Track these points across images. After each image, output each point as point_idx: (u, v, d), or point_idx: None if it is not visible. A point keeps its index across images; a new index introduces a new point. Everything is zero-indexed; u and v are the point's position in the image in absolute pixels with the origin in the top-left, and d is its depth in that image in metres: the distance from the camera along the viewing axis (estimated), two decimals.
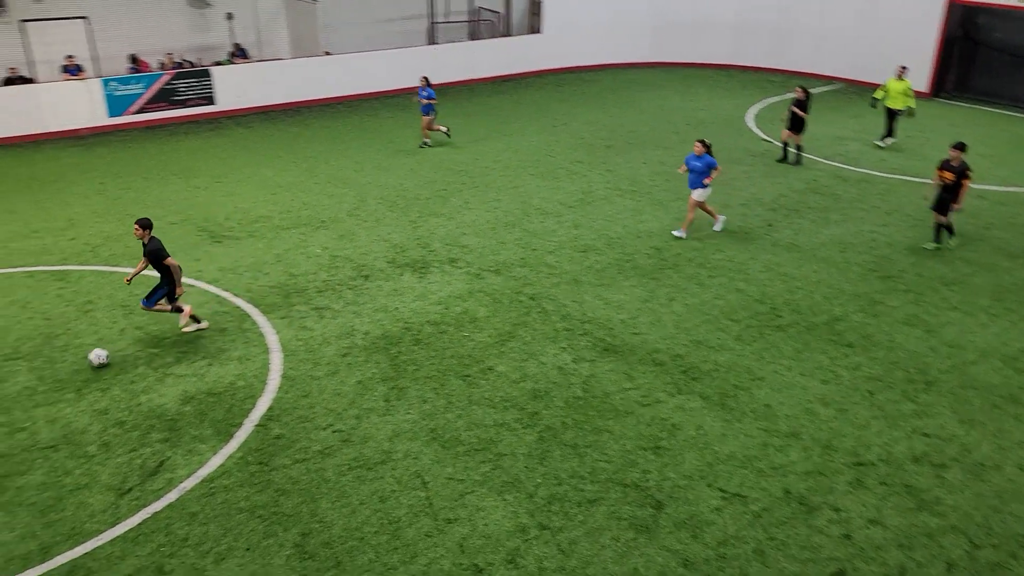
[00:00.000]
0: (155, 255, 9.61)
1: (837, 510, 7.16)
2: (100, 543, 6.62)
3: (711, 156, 12.76)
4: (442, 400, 8.73)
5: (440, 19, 26.80)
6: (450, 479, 7.48)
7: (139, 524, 6.84)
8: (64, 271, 12.15)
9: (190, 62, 23.55)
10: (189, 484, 7.34)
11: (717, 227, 13.53)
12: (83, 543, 6.62)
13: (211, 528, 6.80)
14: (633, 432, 8.19)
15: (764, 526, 6.95)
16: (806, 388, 9.02)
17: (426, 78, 18.53)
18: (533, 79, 26.40)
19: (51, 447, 7.91)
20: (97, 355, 9.47)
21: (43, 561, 6.43)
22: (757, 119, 21.12)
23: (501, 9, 27.68)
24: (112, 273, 12.03)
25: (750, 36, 27.09)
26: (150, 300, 9.89)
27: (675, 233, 13.27)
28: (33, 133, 19.97)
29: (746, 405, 8.69)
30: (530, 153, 18.30)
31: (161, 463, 7.65)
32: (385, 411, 8.53)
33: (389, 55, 24.25)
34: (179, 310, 10.12)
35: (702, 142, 12.75)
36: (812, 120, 18.05)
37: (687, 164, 12.98)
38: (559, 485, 7.41)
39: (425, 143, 18.96)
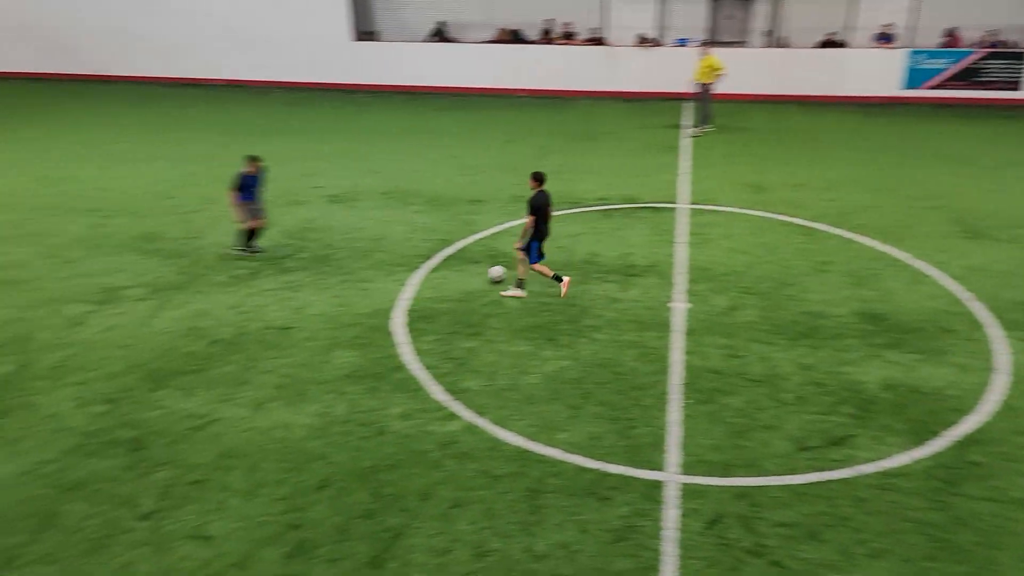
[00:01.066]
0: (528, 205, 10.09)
1: None
2: (770, 483, 7.07)
3: None
4: None
5: None
6: None
7: (808, 483, 7.05)
8: (812, 228, 12.87)
9: (1006, 42, 21.65)
10: (866, 469, 7.21)
11: None
12: (757, 476, 7.16)
13: (873, 521, 6.59)
14: None
15: None
16: None
17: None
18: None
19: (755, 381, 8.66)
20: (496, 272, 10.85)
21: (724, 475, 7.19)
22: None
23: None
24: (854, 242, 12.26)
25: None
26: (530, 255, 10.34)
27: None
28: (829, 94, 21.30)
29: None
30: None
31: (845, 437, 7.67)
32: None
33: None
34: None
35: None
36: None
37: None
38: None
39: None
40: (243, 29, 24.24)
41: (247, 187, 11.54)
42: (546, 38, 23.44)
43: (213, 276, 11.33)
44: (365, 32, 25.10)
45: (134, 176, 15.93)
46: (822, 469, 7.24)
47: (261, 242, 12.21)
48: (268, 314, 10.20)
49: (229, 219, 13.49)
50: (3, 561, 6.29)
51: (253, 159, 11.54)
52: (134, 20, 24.74)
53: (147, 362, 9.12)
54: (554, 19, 23.53)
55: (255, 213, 11.78)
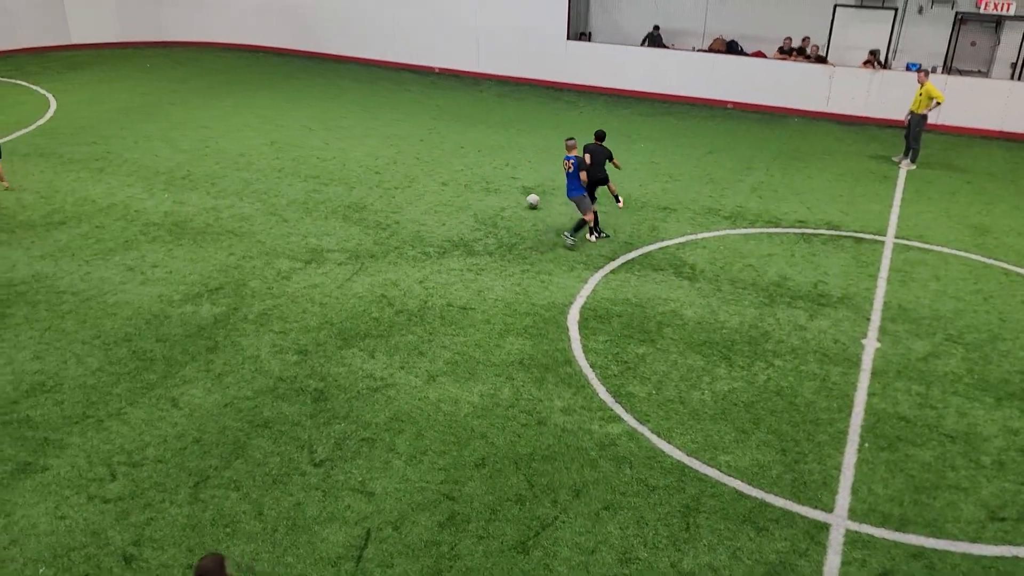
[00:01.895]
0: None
1: None
2: (950, 548, 6.47)
3: None
4: None
5: None
6: None
7: (996, 556, 6.38)
8: None
9: None
10: None
11: None
12: (938, 538, 6.57)
13: None
14: None
15: None
16: None
17: None
18: None
19: (949, 436, 7.94)
20: (533, 199, 13.64)
21: (899, 530, 6.67)
22: None
23: None
24: None
25: None
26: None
27: None
28: None
29: None
30: None
31: None
32: None
33: None
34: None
35: None
36: None
37: None
38: None
39: None
40: (462, 20, 25.27)
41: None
42: (782, 54, 22.60)
43: (406, 250, 11.95)
44: (579, 32, 25.38)
45: (350, 150, 17.08)
46: (1015, 544, 6.53)
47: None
48: (451, 292, 10.62)
49: (426, 198, 14.13)
50: (199, 479, 7.00)
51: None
52: (366, 6, 26.51)
53: (339, 321, 9.79)
54: (791, 37, 22.64)
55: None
